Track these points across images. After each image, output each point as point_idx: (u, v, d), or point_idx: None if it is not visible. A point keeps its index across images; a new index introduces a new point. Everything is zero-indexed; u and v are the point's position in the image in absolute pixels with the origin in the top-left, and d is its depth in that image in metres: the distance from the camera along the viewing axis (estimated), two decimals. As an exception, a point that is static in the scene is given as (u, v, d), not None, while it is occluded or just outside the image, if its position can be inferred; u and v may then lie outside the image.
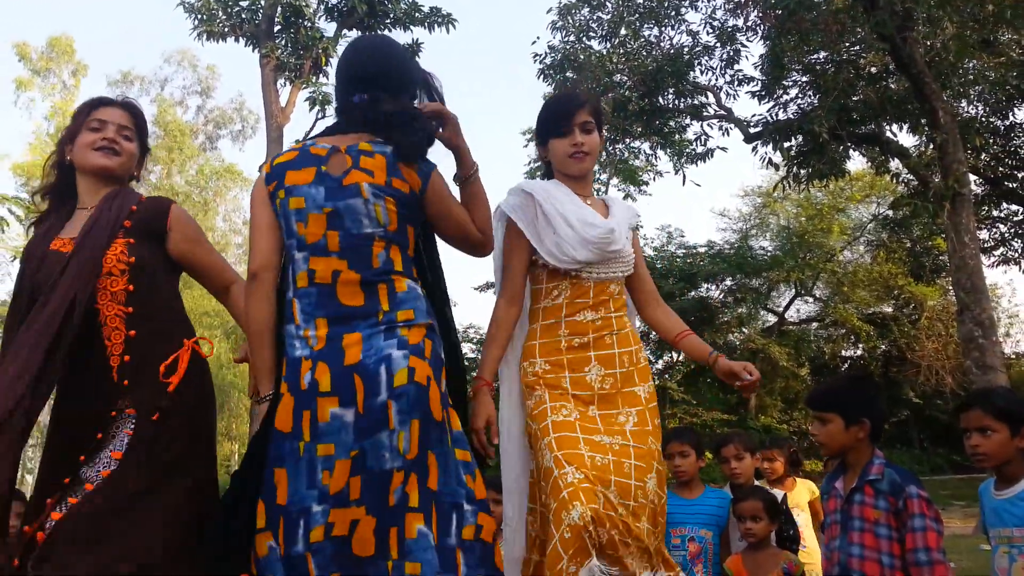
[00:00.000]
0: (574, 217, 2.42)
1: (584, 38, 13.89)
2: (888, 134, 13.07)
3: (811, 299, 24.90)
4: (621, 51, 13.64)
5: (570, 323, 2.44)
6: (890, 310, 23.12)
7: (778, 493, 3.64)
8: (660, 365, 25.05)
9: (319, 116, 13.44)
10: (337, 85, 2.24)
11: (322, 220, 2.00)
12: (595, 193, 2.76)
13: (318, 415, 1.90)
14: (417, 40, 14.17)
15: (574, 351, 2.42)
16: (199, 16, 13.45)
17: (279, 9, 13.59)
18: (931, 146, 11.80)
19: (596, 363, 2.41)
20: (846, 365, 23.77)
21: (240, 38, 13.80)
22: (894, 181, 14.89)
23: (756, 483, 3.73)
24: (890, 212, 20.74)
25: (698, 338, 2.62)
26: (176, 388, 2.11)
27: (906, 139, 13.90)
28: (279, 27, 13.86)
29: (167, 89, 27.82)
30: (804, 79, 13.33)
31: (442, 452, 1.96)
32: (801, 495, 3.99)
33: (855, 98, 12.37)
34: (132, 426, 2.09)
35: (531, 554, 2.35)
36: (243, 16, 13.68)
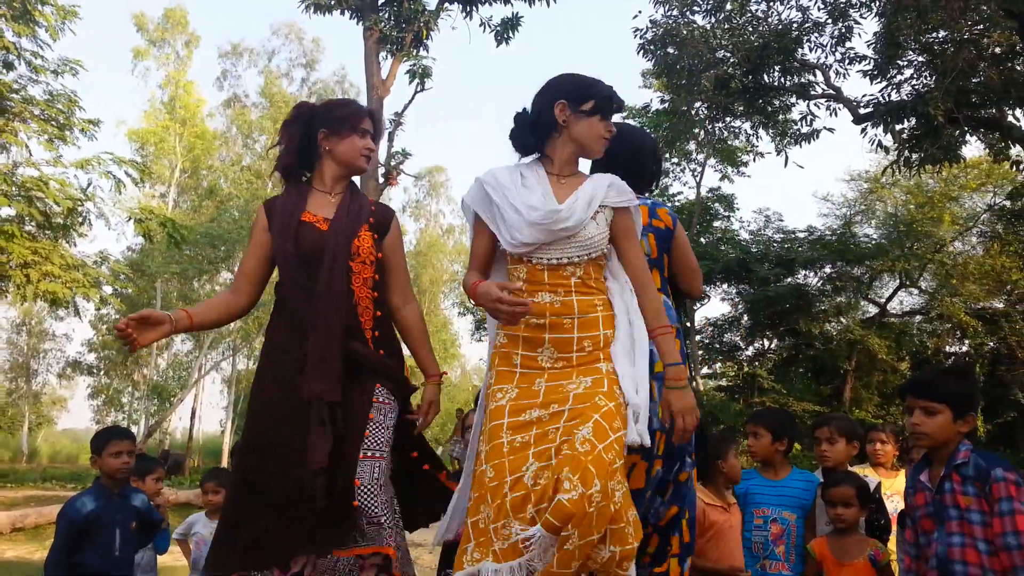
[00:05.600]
0: (519, 202, 2.44)
1: (688, 12, 13.55)
2: (1010, 118, 12.30)
3: (916, 291, 23.85)
4: (726, 26, 13.25)
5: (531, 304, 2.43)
6: (1001, 306, 21.91)
7: (872, 480, 3.54)
8: (750, 352, 24.54)
9: (418, 89, 13.63)
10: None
11: None
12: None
13: None
14: (516, 14, 14.14)
15: (531, 329, 2.42)
16: (307, -12, 13.77)
17: (383, -18, 13.77)
18: (1058, 132, 11.08)
19: (549, 345, 2.40)
20: (950, 361, 22.74)
21: (345, 11, 14.06)
22: (1014, 169, 14.03)
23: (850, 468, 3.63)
24: (1007, 202, 19.63)
25: (670, 341, 2.44)
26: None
27: (1030, 124, 13.03)
28: (383, 0, 14.06)
29: (274, 61, 28.49)
30: (920, 59, 12.62)
31: None
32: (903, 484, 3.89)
33: (975, 79, 11.66)
34: (389, 397, 2.63)
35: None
36: (349, -11, 13.93)
